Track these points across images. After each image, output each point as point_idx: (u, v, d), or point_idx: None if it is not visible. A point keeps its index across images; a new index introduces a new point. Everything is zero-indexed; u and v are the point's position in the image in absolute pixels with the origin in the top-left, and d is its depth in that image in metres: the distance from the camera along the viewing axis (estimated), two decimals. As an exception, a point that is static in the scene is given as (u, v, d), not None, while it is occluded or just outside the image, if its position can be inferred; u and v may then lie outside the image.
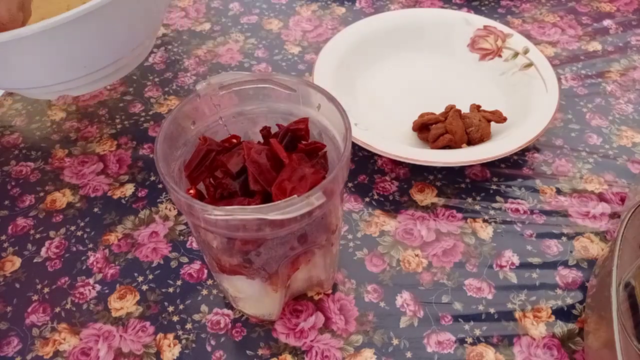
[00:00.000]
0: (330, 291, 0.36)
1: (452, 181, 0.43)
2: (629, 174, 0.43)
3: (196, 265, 0.38)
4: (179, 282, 0.37)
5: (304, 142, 0.30)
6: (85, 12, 0.35)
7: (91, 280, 0.37)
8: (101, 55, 0.41)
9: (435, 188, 0.42)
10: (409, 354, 0.33)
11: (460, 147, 0.43)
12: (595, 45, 0.56)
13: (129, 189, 0.43)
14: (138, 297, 0.36)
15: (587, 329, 0.33)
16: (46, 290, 0.37)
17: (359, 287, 0.36)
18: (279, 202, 0.24)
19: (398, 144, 0.43)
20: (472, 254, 0.38)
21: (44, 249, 0.39)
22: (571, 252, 0.38)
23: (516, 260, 0.38)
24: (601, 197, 0.42)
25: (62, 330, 0.35)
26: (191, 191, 0.28)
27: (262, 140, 0.31)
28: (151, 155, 0.46)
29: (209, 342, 0.34)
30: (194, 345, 0.34)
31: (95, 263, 0.38)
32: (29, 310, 0.36)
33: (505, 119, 0.44)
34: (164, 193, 0.42)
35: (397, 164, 0.44)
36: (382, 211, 0.41)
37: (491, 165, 0.44)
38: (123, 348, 0.34)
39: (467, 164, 0.41)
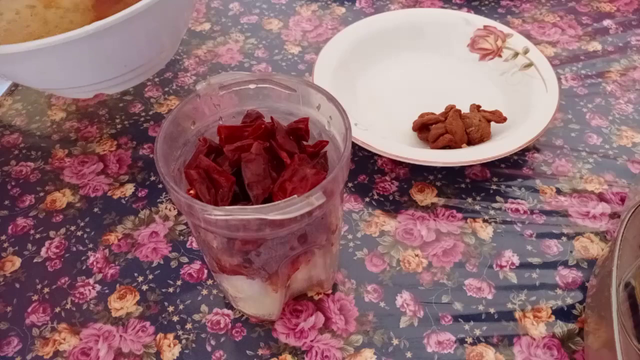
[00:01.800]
0: (330, 291, 0.36)
1: (452, 181, 0.43)
2: (629, 174, 0.43)
3: (196, 265, 0.38)
4: (179, 282, 0.37)
5: (309, 144, 0.30)
6: (133, 13, 0.37)
7: (91, 280, 0.37)
8: (140, 54, 0.43)
9: (435, 188, 0.42)
10: (409, 354, 0.33)
11: (460, 147, 0.43)
12: (595, 45, 0.56)
13: (129, 189, 0.43)
14: (138, 297, 0.36)
15: (587, 329, 0.33)
16: (46, 290, 0.37)
17: (359, 287, 0.36)
18: (279, 202, 0.24)
19: (398, 144, 0.42)
20: (472, 254, 0.38)
21: (44, 249, 0.39)
22: (571, 252, 0.38)
23: (516, 260, 0.38)
24: (601, 197, 0.42)
25: (62, 330, 0.35)
26: (191, 191, 0.28)
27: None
28: (151, 155, 0.46)
29: (209, 342, 0.34)
30: (194, 345, 0.34)
31: (95, 263, 0.38)
32: (29, 310, 0.36)
33: (505, 119, 0.44)
34: (164, 193, 0.42)
35: (397, 164, 0.44)
36: (382, 211, 0.41)
37: (491, 165, 0.44)
38: (123, 348, 0.34)
39: (467, 164, 0.41)
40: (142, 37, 0.41)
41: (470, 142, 0.43)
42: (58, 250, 0.39)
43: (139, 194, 0.43)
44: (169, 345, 0.34)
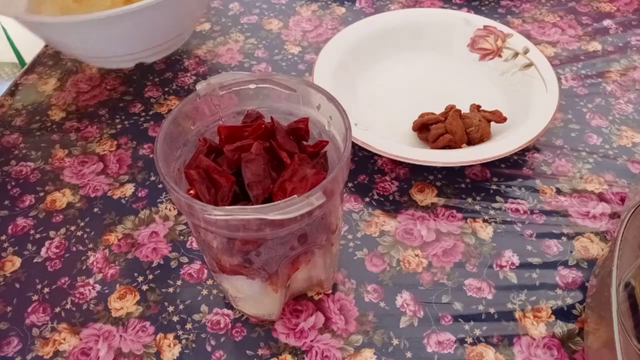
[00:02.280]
0: (330, 291, 0.36)
1: (452, 181, 0.43)
2: (629, 174, 0.43)
3: (196, 265, 0.38)
4: (179, 282, 0.37)
5: (309, 144, 0.30)
6: None
7: (91, 280, 0.37)
8: (175, 26, 0.50)
9: (435, 188, 0.42)
10: (409, 354, 0.33)
11: (460, 147, 0.43)
12: (595, 45, 0.56)
13: (129, 189, 0.43)
14: (138, 297, 0.36)
15: (587, 329, 0.33)
16: (46, 290, 0.37)
17: (359, 287, 0.36)
18: (279, 202, 0.24)
19: (398, 144, 0.42)
20: (472, 254, 0.38)
21: (44, 249, 0.39)
22: (571, 252, 0.38)
23: (516, 260, 0.38)
24: (601, 197, 0.42)
25: (62, 330, 0.35)
26: (191, 191, 0.28)
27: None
28: (151, 155, 0.46)
29: (209, 342, 0.34)
30: (194, 345, 0.34)
31: (95, 263, 0.38)
32: (29, 310, 0.36)
33: (505, 119, 0.44)
34: (164, 193, 0.42)
35: (397, 164, 0.44)
36: (382, 211, 0.41)
37: (491, 165, 0.44)
38: (123, 348, 0.34)
39: (467, 164, 0.41)
40: (173, 14, 0.47)
41: (470, 142, 0.43)
42: (58, 250, 0.39)
43: (139, 194, 0.43)
44: (169, 345, 0.34)
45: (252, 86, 0.31)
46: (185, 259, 0.38)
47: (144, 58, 0.51)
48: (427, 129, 0.44)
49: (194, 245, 0.39)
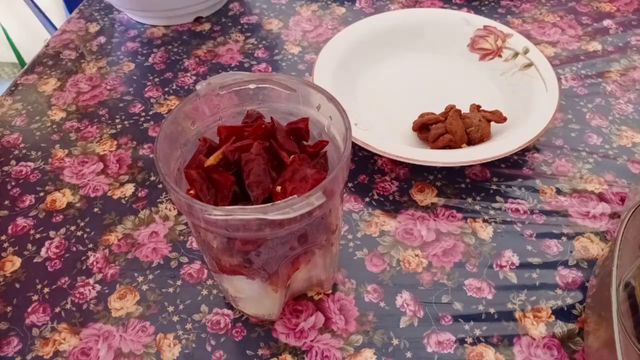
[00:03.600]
0: (330, 291, 0.36)
1: (452, 181, 0.43)
2: (629, 174, 0.43)
3: (196, 265, 0.38)
4: (179, 282, 0.37)
5: (309, 144, 0.30)
6: None
7: (91, 280, 0.37)
8: None
9: (435, 188, 0.42)
10: (409, 354, 0.33)
11: (460, 147, 0.43)
12: (595, 45, 0.56)
13: (129, 189, 0.43)
14: (138, 297, 0.36)
15: (587, 329, 0.33)
16: (46, 290, 0.37)
17: (359, 287, 0.36)
18: (279, 202, 0.24)
19: (398, 144, 0.43)
20: (472, 254, 0.38)
21: (44, 249, 0.39)
22: (571, 252, 0.38)
23: (516, 260, 0.38)
24: (601, 197, 0.42)
25: (62, 330, 0.35)
26: (191, 191, 0.28)
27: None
28: (151, 155, 0.46)
29: (209, 342, 0.34)
30: (194, 345, 0.34)
31: (95, 263, 0.38)
32: (29, 310, 0.36)
33: (505, 119, 0.44)
34: (164, 193, 0.42)
35: (397, 164, 0.44)
36: (382, 211, 0.41)
37: (491, 165, 0.44)
38: (123, 348, 0.34)
39: (467, 164, 0.41)
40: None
41: (470, 142, 0.43)
42: (58, 250, 0.39)
43: (139, 194, 0.43)
44: (169, 345, 0.34)
45: (252, 86, 0.31)
46: (185, 259, 0.38)
47: (201, 12, 0.59)
48: (427, 129, 0.44)
49: (194, 245, 0.39)
